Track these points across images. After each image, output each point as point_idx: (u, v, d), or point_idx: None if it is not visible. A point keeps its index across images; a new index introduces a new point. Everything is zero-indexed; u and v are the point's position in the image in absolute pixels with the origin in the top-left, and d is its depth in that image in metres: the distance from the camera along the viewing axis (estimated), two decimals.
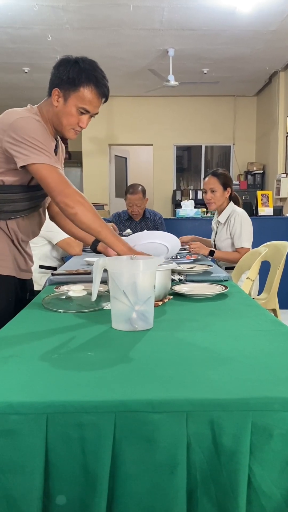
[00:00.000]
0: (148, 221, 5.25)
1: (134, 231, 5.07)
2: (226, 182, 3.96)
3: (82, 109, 2.17)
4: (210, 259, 3.70)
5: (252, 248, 3.83)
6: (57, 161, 2.14)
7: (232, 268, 3.87)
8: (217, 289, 2.29)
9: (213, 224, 4.25)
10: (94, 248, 2.50)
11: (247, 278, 3.34)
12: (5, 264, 2.26)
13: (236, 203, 4.04)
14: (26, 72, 8.90)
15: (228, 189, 3.96)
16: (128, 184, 6.29)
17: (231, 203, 4.01)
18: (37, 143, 2.04)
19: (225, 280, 2.57)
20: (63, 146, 2.49)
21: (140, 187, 5.16)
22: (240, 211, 3.91)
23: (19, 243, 2.32)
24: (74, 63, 2.12)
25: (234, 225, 3.85)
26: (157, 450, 1.06)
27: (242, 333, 1.64)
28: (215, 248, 4.05)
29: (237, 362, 1.32)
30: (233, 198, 4.04)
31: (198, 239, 4.22)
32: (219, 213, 4.06)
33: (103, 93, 2.24)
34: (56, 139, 2.33)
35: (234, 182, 10.51)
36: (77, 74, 2.11)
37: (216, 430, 1.07)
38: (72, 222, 2.11)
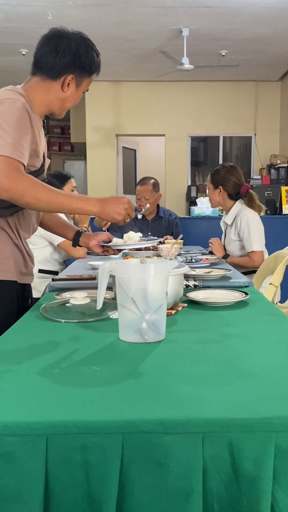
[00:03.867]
0: (162, 221, 5.24)
1: (146, 232, 5.08)
2: (217, 181, 3.96)
3: (86, 90, 2.34)
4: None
5: (268, 250, 3.83)
6: (25, 150, 2.05)
7: (251, 272, 3.87)
8: (236, 296, 2.29)
9: (221, 225, 4.26)
10: (76, 242, 2.54)
11: (270, 283, 3.33)
12: (6, 268, 2.25)
13: (250, 202, 3.99)
14: (23, 54, 8.93)
15: (220, 188, 3.94)
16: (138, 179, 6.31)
17: (238, 203, 3.99)
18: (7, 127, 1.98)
19: (245, 286, 2.57)
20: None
21: (152, 180, 5.17)
22: (248, 211, 3.90)
23: (21, 241, 2.33)
24: (87, 47, 2.22)
25: (241, 227, 3.86)
26: (169, 476, 1.06)
27: (264, 345, 1.64)
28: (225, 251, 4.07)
29: (259, 378, 1.32)
30: (247, 196, 4.00)
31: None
32: (226, 213, 4.06)
33: (99, 70, 2.35)
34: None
35: (255, 176, 10.52)
36: (94, 61, 2.25)
37: (235, 454, 1.07)
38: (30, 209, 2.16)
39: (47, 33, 2.24)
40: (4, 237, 2.24)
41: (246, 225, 3.83)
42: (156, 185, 5.15)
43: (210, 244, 3.99)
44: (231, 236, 3.98)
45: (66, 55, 2.18)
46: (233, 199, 4.00)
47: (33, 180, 2.00)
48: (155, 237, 3.95)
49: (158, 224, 5.22)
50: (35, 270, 2.60)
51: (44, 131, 2.41)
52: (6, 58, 9.25)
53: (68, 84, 2.22)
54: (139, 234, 3.37)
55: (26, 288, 2.47)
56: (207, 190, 4.11)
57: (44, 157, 2.33)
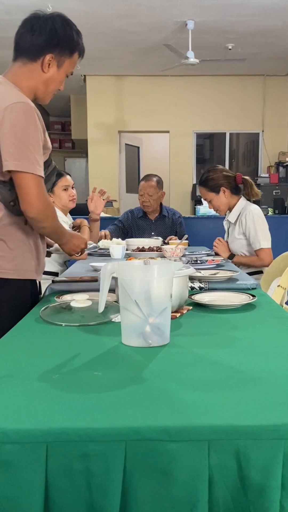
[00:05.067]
0: (165, 220, 5.25)
1: (149, 231, 5.09)
2: (215, 185, 3.95)
3: (70, 73, 2.37)
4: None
5: (276, 251, 3.83)
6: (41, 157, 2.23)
7: (256, 273, 3.87)
8: (243, 298, 2.29)
9: (224, 224, 4.26)
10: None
11: (278, 286, 3.33)
12: (26, 267, 2.37)
13: (248, 189, 3.98)
14: None
15: (222, 189, 3.94)
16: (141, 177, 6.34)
17: (241, 199, 4.00)
18: (29, 143, 2.13)
19: (252, 288, 2.57)
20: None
21: (156, 177, 5.20)
22: (253, 208, 3.91)
23: (39, 239, 2.46)
24: (65, 25, 2.28)
25: (247, 225, 3.85)
26: (174, 485, 1.06)
27: (272, 349, 1.64)
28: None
29: (267, 384, 1.32)
30: (244, 184, 3.99)
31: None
32: (229, 211, 4.06)
33: (84, 53, 2.40)
34: None
35: (263, 175, 10.53)
36: (73, 39, 2.29)
37: (242, 462, 1.07)
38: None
39: (26, 17, 2.32)
40: (23, 236, 2.34)
41: (251, 222, 3.83)
42: (160, 183, 5.17)
43: (214, 247, 3.99)
44: (235, 234, 3.97)
45: (43, 33, 2.23)
46: (235, 194, 4.00)
47: (54, 209, 2.31)
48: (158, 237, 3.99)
49: (161, 223, 5.22)
50: None
51: None
52: (4, 52, 9.16)
53: (49, 64, 2.26)
54: (124, 244, 3.54)
55: (37, 284, 2.58)
56: (208, 204, 4.09)
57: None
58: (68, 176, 4.22)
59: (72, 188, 4.22)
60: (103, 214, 7.08)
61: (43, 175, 2.19)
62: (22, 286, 2.36)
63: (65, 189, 4.14)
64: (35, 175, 2.13)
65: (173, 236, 4.88)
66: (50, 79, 2.29)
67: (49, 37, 2.23)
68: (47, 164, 2.37)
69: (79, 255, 2.69)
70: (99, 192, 4.27)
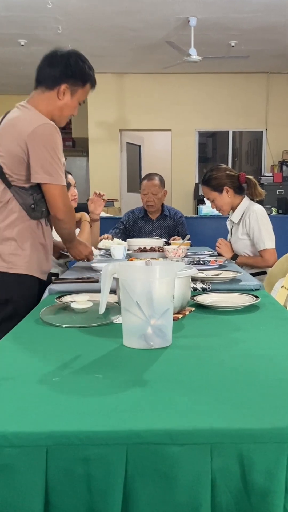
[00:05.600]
0: (167, 220, 5.25)
1: (150, 232, 5.09)
2: (218, 185, 3.95)
3: (82, 101, 2.82)
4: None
5: (280, 251, 3.83)
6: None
7: (260, 274, 3.87)
8: (246, 299, 2.29)
9: (227, 224, 4.26)
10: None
11: (282, 287, 3.33)
12: (37, 266, 2.74)
13: (252, 189, 3.99)
14: (22, 45, 8.96)
15: (225, 188, 3.94)
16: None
17: (245, 199, 4.00)
18: (57, 158, 2.61)
19: (256, 289, 2.57)
20: None
21: (158, 176, 5.21)
22: (256, 208, 3.91)
23: (46, 240, 2.83)
24: (77, 60, 2.72)
25: (251, 225, 3.85)
26: (176, 489, 1.06)
27: (276, 352, 1.64)
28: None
29: (271, 386, 1.32)
30: (248, 183, 4.00)
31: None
32: (233, 211, 4.06)
33: (95, 84, 2.85)
34: None
35: (266, 174, 10.52)
36: (85, 72, 2.73)
37: (245, 466, 1.07)
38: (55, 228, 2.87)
39: (46, 53, 2.76)
40: (34, 238, 2.72)
41: (255, 222, 3.83)
42: (162, 182, 5.19)
43: (217, 247, 3.99)
44: (238, 234, 3.97)
45: (59, 66, 2.67)
46: (238, 194, 4.00)
47: (74, 214, 2.84)
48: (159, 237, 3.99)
49: (163, 223, 5.22)
50: None
51: None
52: (4, 49, 9.26)
53: (64, 93, 2.69)
54: (125, 244, 3.59)
55: (44, 284, 2.83)
56: (210, 203, 4.09)
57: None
58: (70, 175, 4.23)
59: (74, 187, 4.23)
60: (103, 214, 7.09)
61: (65, 184, 2.67)
62: (33, 283, 2.73)
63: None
64: (61, 185, 2.63)
65: (176, 236, 4.88)
66: (65, 105, 2.72)
67: (64, 69, 2.67)
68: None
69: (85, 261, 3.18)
70: (97, 194, 4.30)
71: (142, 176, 5.73)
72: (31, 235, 2.70)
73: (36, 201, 2.64)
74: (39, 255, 2.75)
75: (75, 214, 2.77)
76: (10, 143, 2.57)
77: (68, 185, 4.22)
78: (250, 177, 4.01)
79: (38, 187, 2.62)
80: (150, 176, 5.21)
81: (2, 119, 2.72)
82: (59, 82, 2.67)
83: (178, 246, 3.40)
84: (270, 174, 10.71)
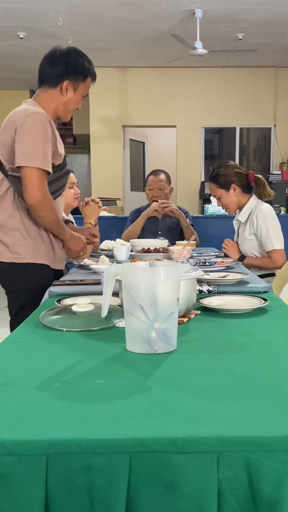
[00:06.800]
0: (172, 218, 5.24)
1: (155, 231, 5.08)
2: (225, 182, 3.95)
3: (84, 95, 3.06)
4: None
5: (285, 250, 3.83)
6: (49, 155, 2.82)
7: (268, 276, 3.87)
8: (254, 302, 2.28)
9: (234, 224, 4.26)
10: None
11: None
12: (42, 253, 2.96)
13: (261, 188, 4.00)
14: (21, 38, 8.97)
15: (233, 186, 3.94)
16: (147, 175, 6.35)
17: (252, 198, 4.00)
18: (41, 143, 2.73)
19: (264, 292, 2.57)
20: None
21: (164, 172, 5.23)
22: (264, 207, 3.90)
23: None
24: (77, 56, 2.96)
25: (258, 225, 3.85)
26: (181, 499, 1.06)
27: (285, 356, 1.64)
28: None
29: (279, 392, 1.31)
30: (257, 183, 4.01)
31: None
32: (240, 210, 4.06)
33: (95, 78, 3.09)
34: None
35: (275, 172, 10.51)
36: (84, 67, 2.97)
37: (253, 475, 1.07)
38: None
39: (46, 53, 2.99)
40: (36, 227, 2.92)
41: (263, 222, 3.82)
42: (168, 178, 5.22)
43: (223, 248, 3.99)
44: (245, 235, 3.97)
45: (59, 64, 2.91)
46: (246, 193, 3.99)
47: (52, 201, 2.83)
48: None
49: (169, 222, 5.21)
50: None
51: None
52: (2, 42, 9.27)
53: (66, 89, 2.94)
54: (128, 245, 3.59)
55: (57, 274, 3.10)
56: (216, 201, 4.10)
57: (64, 157, 3.11)
58: (72, 174, 4.23)
59: (76, 185, 4.24)
60: (106, 214, 7.09)
61: (48, 170, 2.76)
62: (44, 271, 2.95)
63: (70, 187, 4.15)
64: (37, 168, 2.69)
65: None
66: (69, 100, 2.98)
67: (65, 67, 2.91)
68: (60, 167, 3.03)
69: (78, 258, 3.28)
70: (92, 200, 4.16)
71: (146, 174, 5.74)
72: (34, 224, 2.91)
73: None
74: (45, 243, 2.96)
75: (50, 201, 2.81)
76: (5, 134, 2.82)
77: (72, 184, 4.23)
78: (259, 176, 4.01)
79: None
80: (156, 172, 5.22)
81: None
82: (61, 80, 2.92)
83: (184, 246, 3.39)
84: (279, 172, 10.69)
